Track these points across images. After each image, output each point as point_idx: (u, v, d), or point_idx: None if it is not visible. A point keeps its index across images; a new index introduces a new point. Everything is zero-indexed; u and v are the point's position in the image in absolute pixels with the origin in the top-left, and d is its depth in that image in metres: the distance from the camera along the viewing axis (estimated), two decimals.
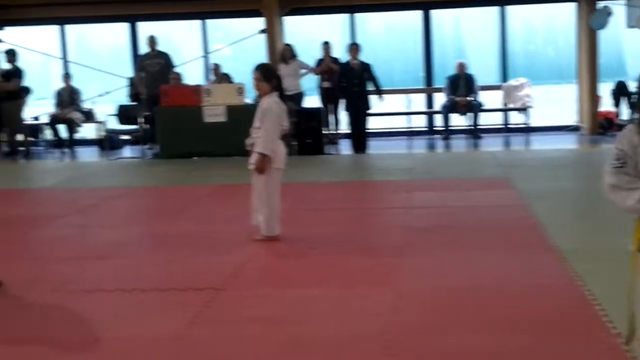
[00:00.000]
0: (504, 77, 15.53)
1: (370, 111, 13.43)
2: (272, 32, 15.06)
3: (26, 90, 14.69)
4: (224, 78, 14.33)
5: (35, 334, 4.40)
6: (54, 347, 4.17)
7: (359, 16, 16.01)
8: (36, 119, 15.94)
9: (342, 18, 16.12)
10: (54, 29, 16.68)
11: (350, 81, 13.14)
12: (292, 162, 11.49)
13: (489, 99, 15.14)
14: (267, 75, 6.45)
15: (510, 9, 15.60)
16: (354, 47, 13.35)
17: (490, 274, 5.39)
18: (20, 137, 14.74)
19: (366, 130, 13.39)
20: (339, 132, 14.57)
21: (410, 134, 15.35)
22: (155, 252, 6.40)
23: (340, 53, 14.11)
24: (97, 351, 4.10)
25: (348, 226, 7.24)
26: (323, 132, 13.22)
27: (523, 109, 14.93)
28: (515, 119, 15.42)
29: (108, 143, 14.45)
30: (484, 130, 14.82)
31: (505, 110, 15.35)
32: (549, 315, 4.43)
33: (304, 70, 14.43)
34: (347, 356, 3.90)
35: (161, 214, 8.16)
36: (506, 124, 15.52)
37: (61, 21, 16.43)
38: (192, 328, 4.39)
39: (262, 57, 14.88)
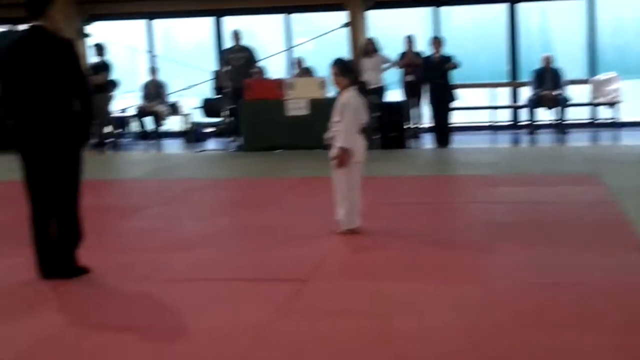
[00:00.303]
0: (592, 71, 15.18)
1: (453, 105, 13.28)
2: (355, 26, 15.04)
3: (114, 84, 15.04)
4: (306, 72, 14.38)
5: (125, 322, 4.49)
6: (142, 335, 4.25)
7: (444, 9, 15.86)
8: (123, 111, 16.30)
9: (426, 11, 15.99)
10: (141, 23, 17.01)
11: (431, 74, 13.04)
12: (375, 155, 11.48)
13: (577, 93, 14.81)
14: (344, 69, 6.46)
15: (599, 2, 15.22)
16: (436, 41, 13.22)
17: (578, 270, 5.26)
18: (108, 129, 15.09)
19: (449, 124, 13.25)
20: (421, 125, 14.48)
21: (495, 128, 15.14)
22: (240, 243, 6.45)
23: (424, 47, 14.00)
24: (184, 339, 4.15)
25: (431, 220, 7.18)
26: (406, 125, 13.15)
27: (612, 104, 14.56)
28: (604, 113, 15.03)
29: (193, 135, 14.67)
30: (571, 125, 14.50)
31: (593, 104, 14.97)
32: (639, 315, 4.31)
33: (386, 64, 14.37)
34: (434, 352, 3.86)
35: (245, 205, 8.24)
36: (594, 118, 15.15)
37: (148, 15, 16.75)
38: (278, 319, 4.41)
39: (345, 50, 14.89)
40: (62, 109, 5.19)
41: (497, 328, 4.17)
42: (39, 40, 5.21)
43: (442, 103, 13.04)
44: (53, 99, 5.17)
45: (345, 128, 6.30)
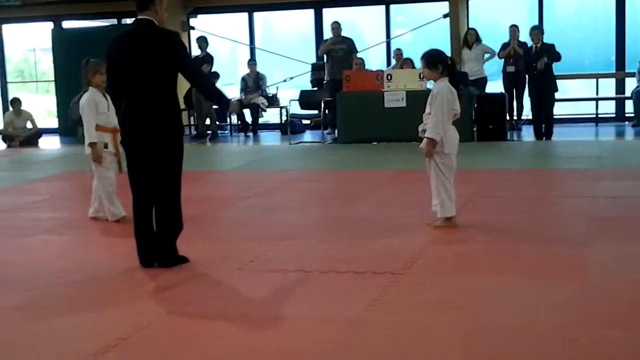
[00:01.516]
0: None
1: (556, 96, 12.88)
2: (456, 16, 14.86)
3: (215, 76, 15.29)
4: (406, 63, 14.28)
5: (221, 311, 4.56)
6: (237, 324, 4.30)
7: None
8: None
9: (529, 0, 15.66)
10: (242, 16, 17.22)
11: (532, 65, 12.69)
12: (473, 147, 11.34)
13: None
14: (431, 62, 6.41)
15: None
16: (536, 31, 12.84)
17: None
18: (207, 120, 15.36)
19: (552, 116, 12.86)
20: (522, 117, 14.21)
21: (599, 120, 14.72)
22: (334, 235, 6.46)
23: (527, 37, 13.73)
24: (278, 329, 4.19)
25: (530, 214, 7.03)
26: (505, 117, 12.93)
27: None
28: None
29: (290, 127, 14.77)
30: None
31: None
32: None
33: (487, 55, 14.16)
34: (531, 347, 3.78)
35: (340, 197, 8.25)
36: None
37: (250, 8, 16.95)
38: (371, 311, 4.40)
39: (445, 41, 14.74)
40: (166, 100, 5.30)
41: (594, 325, 4.05)
42: (145, 32, 5.33)
43: (543, 94, 12.67)
44: (157, 91, 5.28)
45: (435, 119, 6.26)
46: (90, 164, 7.10)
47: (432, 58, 6.44)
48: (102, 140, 6.99)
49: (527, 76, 13.08)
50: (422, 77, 12.37)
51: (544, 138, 12.67)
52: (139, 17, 5.38)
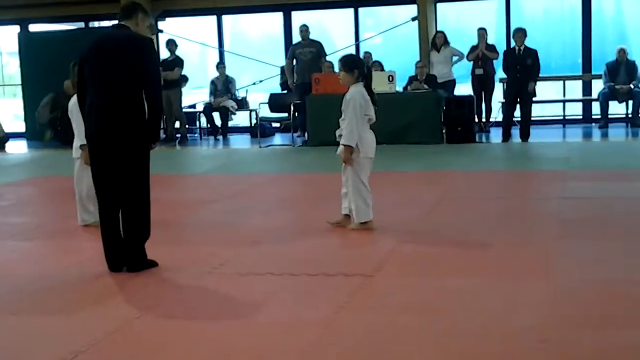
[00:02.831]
0: None
1: (534, 98, 12.86)
2: (424, 19, 14.92)
3: (184, 79, 15.24)
4: (374, 66, 14.31)
5: (191, 315, 4.52)
6: (208, 328, 4.26)
7: (515, 1, 15.61)
8: (193, 107, 16.49)
9: (497, 3, 15.78)
10: (211, 19, 17.17)
11: (513, 67, 12.71)
12: (442, 150, 11.39)
13: None
14: (348, 66, 6.47)
15: None
16: (519, 33, 12.83)
17: None
18: (177, 124, 15.29)
19: (530, 118, 12.89)
20: (490, 120, 14.31)
21: (566, 122, 14.86)
22: (305, 238, 6.44)
23: (494, 39, 13.82)
24: (249, 333, 4.16)
25: (499, 216, 7.07)
26: (474, 120, 13.00)
27: None
28: None
29: (259, 130, 14.73)
30: None
31: None
32: None
33: (455, 58, 14.24)
34: (502, 349, 3.79)
35: (310, 200, 8.24)
36: None
37: (218, 11, 16.90)
38: (342, 314, 4.39)
39: (414, 44, 14.81)
40: (133, 102, 5.23)
41: (566, 325, 4.07)
42: (119, 34, 5.33)
43: (523, 97, 12.65)
44: (124, 92, 5.22)
45: (349, 125, 6.29)
46: (76, 166, 6.98)
47: (349, 62, 6.52)
48: None
49: (508, 77, 13.01)
50: (391, 80, 12.44)
51: (523, 140, 12.64)
52: (118, 23, 5.40)
